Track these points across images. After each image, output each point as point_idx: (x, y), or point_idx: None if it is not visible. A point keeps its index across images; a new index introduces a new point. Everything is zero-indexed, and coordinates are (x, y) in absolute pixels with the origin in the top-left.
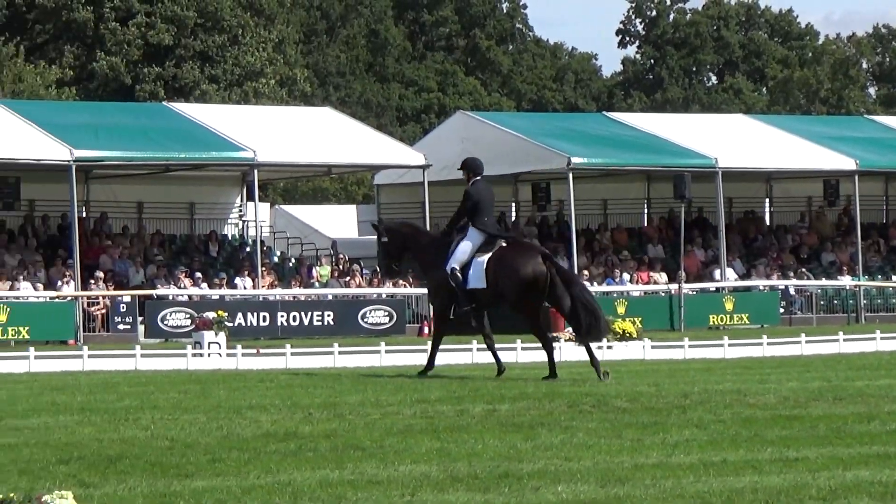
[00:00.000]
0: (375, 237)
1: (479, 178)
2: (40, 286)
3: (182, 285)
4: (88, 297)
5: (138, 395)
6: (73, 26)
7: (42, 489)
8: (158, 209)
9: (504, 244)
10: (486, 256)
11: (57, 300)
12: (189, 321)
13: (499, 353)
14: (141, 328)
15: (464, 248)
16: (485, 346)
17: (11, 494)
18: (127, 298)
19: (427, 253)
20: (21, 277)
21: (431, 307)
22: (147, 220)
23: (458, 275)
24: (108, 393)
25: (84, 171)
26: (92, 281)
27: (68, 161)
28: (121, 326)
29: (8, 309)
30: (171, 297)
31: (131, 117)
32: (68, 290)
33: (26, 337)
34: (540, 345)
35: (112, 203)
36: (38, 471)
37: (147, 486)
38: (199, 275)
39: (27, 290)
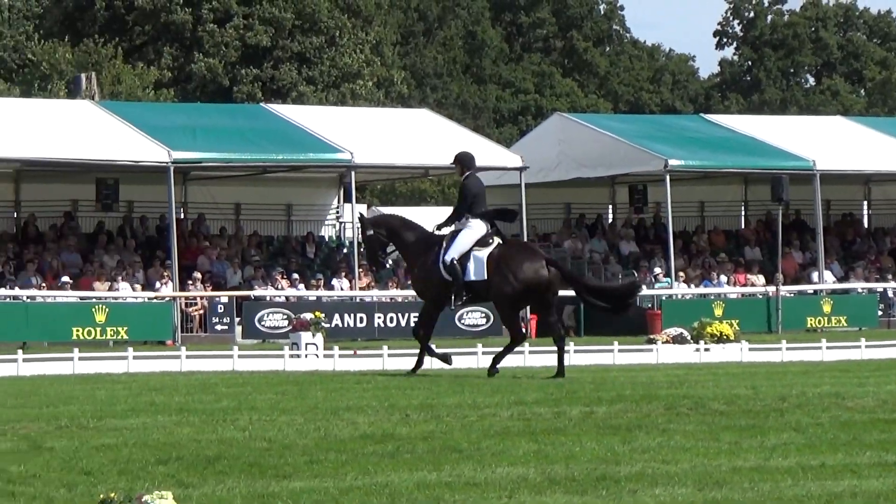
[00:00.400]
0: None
1: (470, 172)
2: (138, 287)
3: (279, 286)
4: (186, 298)
5: (236, 395)
6: (172, 28)
7: (141, 489)
8: (256, 210)
9: (500, 241)
10: (487, 251)
11: (155, 301)
12: (286, 322)
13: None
14: (238, 329)
15: (465, 239)
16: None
17: (112, 494)
18: (224, 299)
19: (414, 247)
20: (120, 278)
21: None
22: (244, 221)
23: (457, 265)
24: (205, 394)
25: (182, 172)
26: (190, 282)
27: (167, 163)
28: (218, 327)
29: (107, 309)
30: (268, 299)
31: (229, 119)
32: (166, 290)
33: (125, 337)
34: (505, 344)
35: (210, 204)
36: (138, 471)
37: (245, 487)
38: (296, 276)
39: (126, 291)
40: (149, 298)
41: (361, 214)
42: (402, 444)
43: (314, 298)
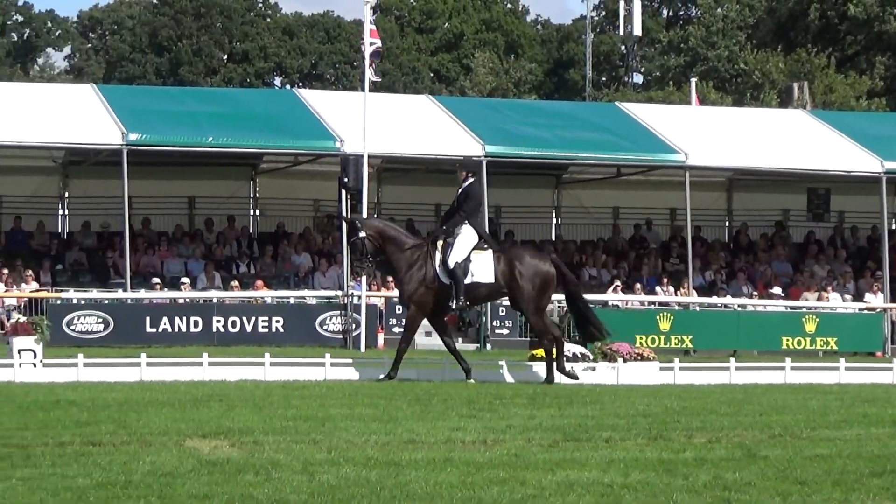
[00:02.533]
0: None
1: (474, 178)
2: (848, 297)
3: None
4: None
5: None
6: (885, 37)
7: (856, 501)
8: None
9: (485, 244)
10: (487, 255)
11: (865, 312)
12: None
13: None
14: None
15: (464, 246)
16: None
17: None
18: None
19: (405, 255)
20: (830, 288)
21: (409, 308)
22: None
23: (460, 269)
24: None
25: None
26: None
27: (879, 173)
28: None
29: (817, 319)
30: None
31: None
32: (876, 301)
33: (834, 348)
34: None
35: None
36: (852, 482)
37: None
38: None
39: (836, 301)
40: (859, 309)
41: (349, 217)
42: None
43: None
